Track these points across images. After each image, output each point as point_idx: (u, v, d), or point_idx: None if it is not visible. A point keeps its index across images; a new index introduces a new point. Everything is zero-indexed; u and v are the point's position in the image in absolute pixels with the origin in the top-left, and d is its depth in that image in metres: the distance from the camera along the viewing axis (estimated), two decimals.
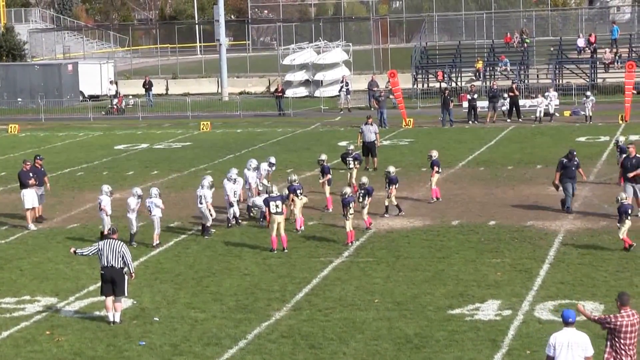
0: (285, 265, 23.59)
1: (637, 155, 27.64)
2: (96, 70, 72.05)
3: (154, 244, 25.85)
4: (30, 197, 29.33)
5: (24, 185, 29.57)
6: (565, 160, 28.39)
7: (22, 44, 79.71)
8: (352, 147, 33.44)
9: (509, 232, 26.25)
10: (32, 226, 28.99)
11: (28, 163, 30.23)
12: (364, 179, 27.03)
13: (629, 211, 23.68)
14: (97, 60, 76.48)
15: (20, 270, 24.15)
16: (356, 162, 32.44)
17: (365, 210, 26.63)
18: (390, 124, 49.74)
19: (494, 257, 23.68)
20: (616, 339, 14.18)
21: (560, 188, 28.45)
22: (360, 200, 26.48)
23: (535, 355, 16.97)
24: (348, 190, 25.76)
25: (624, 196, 24.27)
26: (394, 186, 28.42)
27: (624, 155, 28.54)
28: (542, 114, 49.35)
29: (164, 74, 77.36)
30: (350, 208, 25.23)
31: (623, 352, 14.17)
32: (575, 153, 28.76)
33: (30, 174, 29.75)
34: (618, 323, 14.16)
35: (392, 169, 28.91)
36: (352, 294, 20.99)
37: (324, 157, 30.80)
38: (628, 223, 23.57)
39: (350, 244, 25.19)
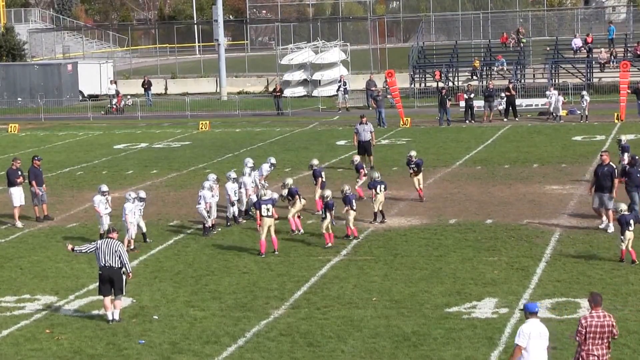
0: (283, 264, 23.71)
1: (610, 163, 26.24)
2: (95, 70, 72.14)
3: (132, 248, 25.50)
4: (18, 195, 29.60)
5: (11, 183, 29.80)
6: (627, 166, 26.90)
7: (22, 44, 79.81)
8: (413, 152, 31.09)
9: (506, 230, 26.37)
10: (19, 223, 29.27)
11: (18, 161, 30.44)
12: (346, 187, 26.29)
13: (631, 221, 22.62)
14: (96, 60, 76.59)
15: (20, 269, 24.26)
16: (415, 168, 30.38)
17: (351, 219, 25.71)
18: (388, 123, 49.88)
19: (491, 256, 23.80)
20: (585, 340, 14.18)
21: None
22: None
23: None
24: (329, 192, 25.65)
25: (624, 207, 23.15)
26: (374, 190, 27.41)
27: (598, 164, 26.87)
28: (559, 112, 49.36)
29: (163, 73, 77.46)
30: (351, 209, 25.14)
31: (588, 352, 14.17)
32: (637, 158, 27.05)
33: (19, 172, 29.96)
34: (587, 324, 14.20)
35: (376, 174, 28.16)
36: (350, 292, 21.11)
37: (315, 161, 30.27)
38: (629, 234, 22.49)
39: (329, 244, 24.89)
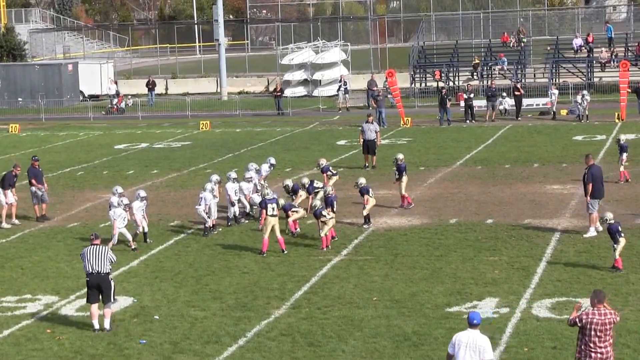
0: (284, 264, 23.73)
1: (587, 167, 25.56)
2: (96, 70, 72.18)
3: (133, 248, 25.63)
4: (8, 196, 29.65)
5: (3, 186, 29.82)
6: None
7: (22, 44, 79.83)
8: (400, 155, 30.03)
9: (507, 230, 26.38)
10: (5, 224, 29.35)
11: (18, 168, 30.32)
12: (329, 189, 26.38)
13: (620, 229, 22.19)
14: (97, 60, 76.63)
15: (21, 269, 24.29)
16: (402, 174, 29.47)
17: (331, 222, 25.32)
18: (388, 123, 49.91)
19: (492, 255, 23.81)
20: (586, 336, 14.21)
21: None
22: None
23: (533, 353, 17.12)
24: (318, 202, 25.53)
25: (610, 215, 22.40)
26: (367, 195, 27.13)
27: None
28: (585, 112, 49.09)
29: (164, 73, 77.45)
30: (324, 216, 24.87)
31: (590, 349, 14.20)
32: None
33: (14, 180, 30.03)
34: (588, 320, 14.23)
35: (362, 180, 27.55)
36: (350, 292, 21.13)
37: (305, 180, 28.92)
38: (622, 242, 22.06)
39: (325, 249, 24.84)
